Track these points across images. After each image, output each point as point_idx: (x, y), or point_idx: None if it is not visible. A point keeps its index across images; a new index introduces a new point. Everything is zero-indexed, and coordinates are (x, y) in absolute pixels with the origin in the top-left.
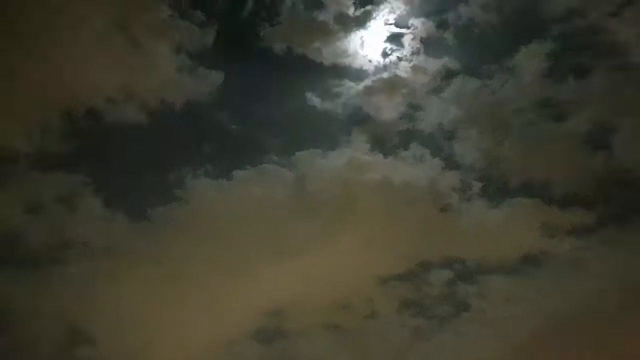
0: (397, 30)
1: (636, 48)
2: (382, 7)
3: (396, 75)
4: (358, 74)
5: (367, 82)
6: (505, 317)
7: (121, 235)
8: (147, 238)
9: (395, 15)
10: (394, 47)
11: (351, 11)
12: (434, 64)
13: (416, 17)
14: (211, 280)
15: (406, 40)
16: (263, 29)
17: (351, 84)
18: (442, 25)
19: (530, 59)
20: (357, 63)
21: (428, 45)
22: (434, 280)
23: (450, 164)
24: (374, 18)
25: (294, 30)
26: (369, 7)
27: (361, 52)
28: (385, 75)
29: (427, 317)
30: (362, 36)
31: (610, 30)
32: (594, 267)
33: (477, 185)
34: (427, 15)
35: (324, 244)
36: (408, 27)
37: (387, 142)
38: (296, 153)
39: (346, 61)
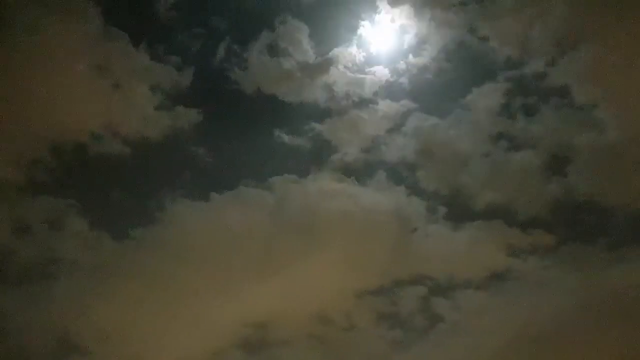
0: (358, 75)
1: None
2: (341, 55)
3: (358, 115)
4: (323, 113)
5: (333, 120)
6: (478, 329)
7: (107, 254)
8: (132, 256)
9: (355, 62)
10: (356, 89)
11: (312, 59)
12: (393, 104)
13: (374, 65)
14: (196, 294)
15: (366, 83)
16: (234, 73)
17: (316, 124)
18: (397, 72)
19: (483, 99)
20: (322, 103)
21: (386, 87)
22: (407, 295)
23: (415, 190)
24: (335, 65)
25: (262, 75)
26: (329, 55)
27: (325, 94)
28: (349, 114)
29: (403, 329)
30: (325, 80)
31: (550, 75)
32: (556, 283)
33: (442, 210)
34: (384, 63)
35: (301, 262)
36: (366, 73)
37: (355, 172)
38: (271, 178)
39: (311, 101)
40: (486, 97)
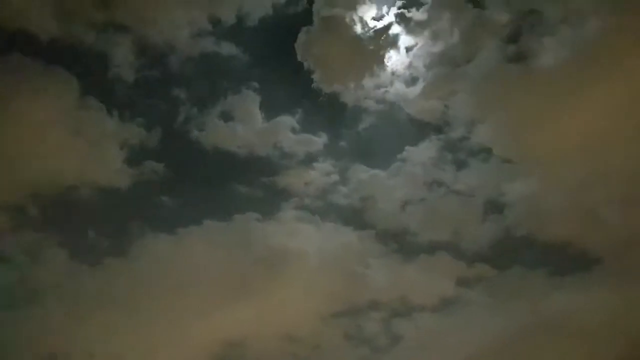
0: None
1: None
2: (288, 120)
3: (306, 171)
4: (275, 167)
5: (285, 172)
6: (436, 346)
7: (86, 281)
8: (107, 283)
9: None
10: (303, 147)
11: (260, 123)
12: (336, 163)
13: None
14: (169, 317)
15: (313, 142)
16: (194, 134)
17: (269, 177)
18: (337, 135)
19: (417, 154)
20: (274, 159)
21: (327, 149)
22: (369, 318)
23: (365, 229)
24: (282, 128)
25: (218, 136)
26: (277, 119)
27: (276, 152)
28: (298, 168)
29: (369, 347)
30: (274, 140)
31: (473, 134)
32: (502, 307)
33: (391, 245)
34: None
35: (266, 290)
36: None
37: (310, 213)
38: (235, 215)
39: (264, 156)
40: (420, 153)
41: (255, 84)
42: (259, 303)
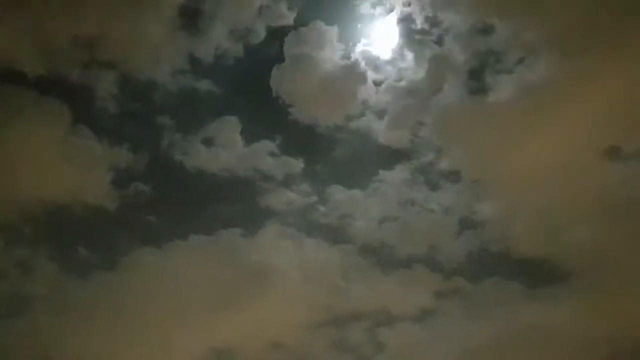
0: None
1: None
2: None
3: (286, 192)
4: (256, 189)
5: (267, 194)
6: (419, 354)
7: (75, 293)
8: (98, 295)
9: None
10: (282, 170)
11: (240, 147)
12: (315, 185)
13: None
14: (159, 326)
15: (291, 164)
16: (178, 158)
17: (252, 197)
18: (315, 160)
19: (392, 177)
20: (255, 181)
21: (305, 172)
22: (353, 327)
23: (346, 242)
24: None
25: (200, 159)
26: (258, 144)
27: (257, 174)
28: (276, 191)
29: (355, 355)
30: (254, 164)
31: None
32: (480, 317)
33: (371, 259)
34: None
35: (252, 301)
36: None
37: (293, 229)
38: (219, 230)
39: (245, 178)
40: (393, 176)
41: (235, 114)
42: (244, 314)
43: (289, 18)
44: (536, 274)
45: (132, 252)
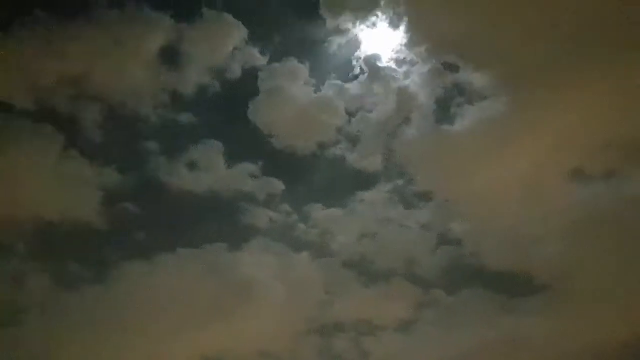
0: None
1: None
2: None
3: (267, 211)
4: (238, 208)
5: (248, 213)
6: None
7: (66, 304)
8: (88, 306)
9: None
10: (264, 189)
11: (224, 169)
12: (295, 204)
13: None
14: (149, 336)
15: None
16: (164, 179)
17: (235, 215)
18: (294, 181)
19: (369, 197)
20: (237, 200)
21: (286, 192)
22: (337, 337)
23: (327, 256)
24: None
25: (185, 180)
26: (239, 166)
27: (238, 195)
28: (258, 209)
29: None
30: (234, 185)
31: (415, 181)
32: (459, 326)
33: (352, 272)
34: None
35: (239, 311)
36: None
37: (278, 244)
38: (204, 245)
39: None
40: (370, 196)
41: (217, 139)
42: (233, 323)
43: (261, 58)
44: (511, 286)
45: (121, 265)
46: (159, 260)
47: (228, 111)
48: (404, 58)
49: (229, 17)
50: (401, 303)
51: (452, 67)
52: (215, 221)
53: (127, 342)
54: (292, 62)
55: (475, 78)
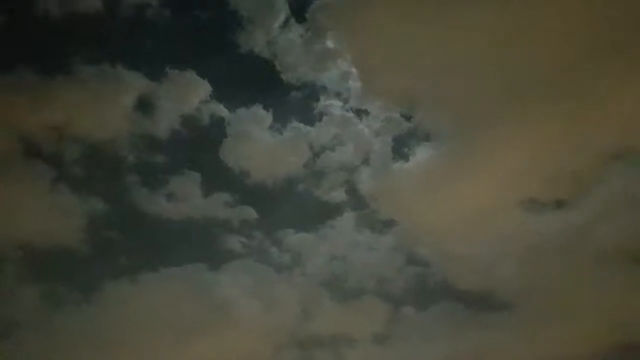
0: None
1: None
2: (223, 195)
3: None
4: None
5: (223, 240)
6: None
7: (52, 323)
8: (75, 325)
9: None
10: (240, 216)
11: (200, 199)
12: (270, 229)
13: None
14: (136, 350)
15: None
16: (144, 208)
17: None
18: (267, 210)
19: (338, 223)
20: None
21: (259, 220)
22: (315, 349)
23: (302, 276)
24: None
25: (163, 209)
26: (213, 196)
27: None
28: (233, 235)
29: None
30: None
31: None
32: (430, 338)
33: (325, 291)
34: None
35: (221, 328)
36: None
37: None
38: (186, 265)
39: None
40: (339, 222)
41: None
42: (215, 337)
43: (225, 110)
44: (474, 303)
45: (104, 286)
46: (142, 280)
47: (201, 151)
48: (360, 107)
49: (192, 75)
50: (374, 318)
51: (405, 114)
52: (193, 245)
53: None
54: (257, 109)
55: (429, 120)
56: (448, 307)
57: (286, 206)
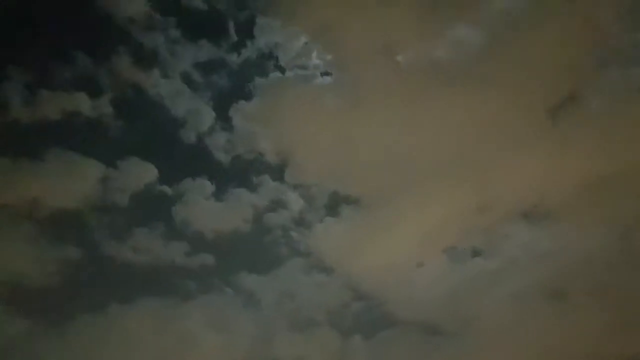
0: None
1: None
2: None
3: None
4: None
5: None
6: None
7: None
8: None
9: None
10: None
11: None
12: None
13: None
14: None
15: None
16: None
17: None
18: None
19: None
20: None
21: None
22: None
23: (258, 308)
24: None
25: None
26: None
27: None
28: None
29: None
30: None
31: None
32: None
33: (280, 323)
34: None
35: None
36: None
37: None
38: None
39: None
40: (287, 266)
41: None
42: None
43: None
44: (418, 332)
45: (75, 321)
46: (111, 314)
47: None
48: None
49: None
50: (327, 346)
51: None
52: (156, 290)
53: None
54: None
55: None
56: (392, 335)
57: (238, 255)
